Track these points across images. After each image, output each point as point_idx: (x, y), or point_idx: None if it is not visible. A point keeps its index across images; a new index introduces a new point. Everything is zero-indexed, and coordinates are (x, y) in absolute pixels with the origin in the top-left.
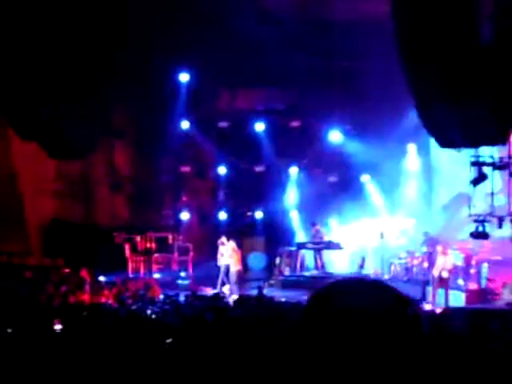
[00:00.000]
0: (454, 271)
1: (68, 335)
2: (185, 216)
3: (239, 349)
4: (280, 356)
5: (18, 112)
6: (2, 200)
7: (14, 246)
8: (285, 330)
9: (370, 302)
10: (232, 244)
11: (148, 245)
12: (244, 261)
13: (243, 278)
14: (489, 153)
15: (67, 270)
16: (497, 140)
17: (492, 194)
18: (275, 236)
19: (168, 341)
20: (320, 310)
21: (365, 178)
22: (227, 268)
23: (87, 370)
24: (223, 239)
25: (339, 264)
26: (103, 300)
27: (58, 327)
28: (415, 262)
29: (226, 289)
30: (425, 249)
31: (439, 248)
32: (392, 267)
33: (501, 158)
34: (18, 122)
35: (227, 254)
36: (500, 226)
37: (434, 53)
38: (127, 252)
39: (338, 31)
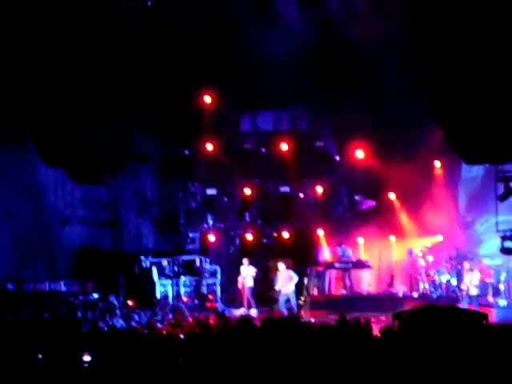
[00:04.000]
0: (483, 287)
1: (97, 365)
2: (211, 238)
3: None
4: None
5: (43, 138)
6: (32, 226)
7: (43, 272)
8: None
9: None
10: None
11: (175, 268)
12: (272, 282)
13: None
14: None
15: (96, 296)
16: None
17: None
18: (303, 256)
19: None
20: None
21: (391, 196)
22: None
23: None
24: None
25: (368, 283)
26: (133, 325)
27: (87, 358)
28: (444, 279)
29: (252, 311)
30: (453, 265)
31: (466, 265)
32: (421, 285)
33: None
34: (44, 148)
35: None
36: None
37: (456, 67)
38: (155, 276)
39: (359, 50)
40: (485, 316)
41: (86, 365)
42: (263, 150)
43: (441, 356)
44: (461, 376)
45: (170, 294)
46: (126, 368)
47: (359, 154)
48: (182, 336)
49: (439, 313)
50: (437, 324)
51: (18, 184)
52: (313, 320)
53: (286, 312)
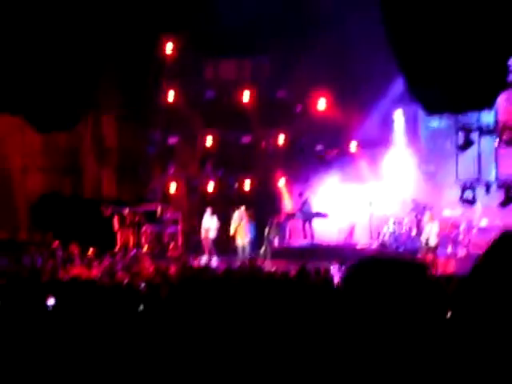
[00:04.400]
0: (443, 238)
1: (61, 311)
2: (173, 187)
3: (232, 319)
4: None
5: (3, 85)
6: None
7: (2, 221)
8: (275, 301)
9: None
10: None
11: (136, 217)
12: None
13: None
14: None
15: (56, 244)
16: (483, 104)
17: (479, 159)
18: (264, 206)
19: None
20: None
21: (352, 146)
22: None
23: (83, 346)
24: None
25: (328, 233)
26: (93, 274)
27: (50, 302)
28: (403, 229)
29: (214, 260)
30: (413, 216)
31: (426, 215)
32: (380, 236)
33: (487, 124)
34: (4, 96)
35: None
36: (487, 192)
37: (418, 14)
38: (116, 225)
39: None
40: (425, 267)
41: (50, 308)
42: (225, 99)
43: (381, 311)
44: (400, 333)
45: (131, 243)
46: (87, 316)
47: (321, 103)
48: (142, 285)
49: (381, 266)
50: (377, 280)
51: None
52: (273, 269)
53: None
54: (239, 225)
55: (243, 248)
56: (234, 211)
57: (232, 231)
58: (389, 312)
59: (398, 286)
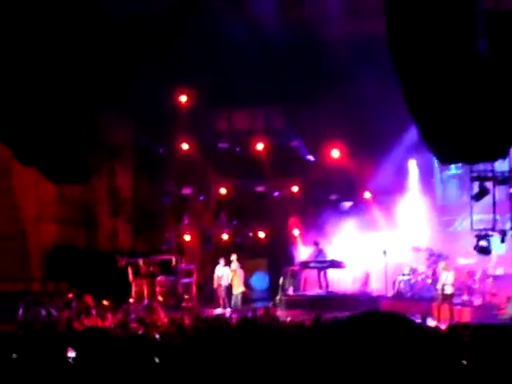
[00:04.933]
0: (458, 287)
1: (78, 362)
2: (187, 238)
3: (246, 368)
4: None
5: (17, 136)
6: (4, 226)
7: (16, 272)
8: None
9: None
10: (235, 265)
11: (151, 268)
12: (247, 281)
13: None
14: (490, 167)
15: (71, 295)
16: (496, 155)
17: (494, 207)
18: (278, 256)
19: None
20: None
21: (367, 195)
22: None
23: None
24: (221, 261)
25: (343, 282)
26: (107, 324)
27: (71, 355)
28: (419, 278)
29: (228, 311)
30: (428, 264)
31: (441, 264)
32: (396, 284)
33: (502, 173)
34: (18, 147)
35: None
36: (503, 241)
37: (431, 68)
38: (130, 276)
39: (333, 50)
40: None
41: (71, 360)
42: (238, 149)
43: (370, 364)
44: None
45: (146, 294)
46: (102, 367)
47: (335, 153)
48: (157, 336)
49: (376, 321)
50: (370, 333)
51: None
52: (288, 319)
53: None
54: (235, 274)
55: (236, 298)
56: (249, 260)
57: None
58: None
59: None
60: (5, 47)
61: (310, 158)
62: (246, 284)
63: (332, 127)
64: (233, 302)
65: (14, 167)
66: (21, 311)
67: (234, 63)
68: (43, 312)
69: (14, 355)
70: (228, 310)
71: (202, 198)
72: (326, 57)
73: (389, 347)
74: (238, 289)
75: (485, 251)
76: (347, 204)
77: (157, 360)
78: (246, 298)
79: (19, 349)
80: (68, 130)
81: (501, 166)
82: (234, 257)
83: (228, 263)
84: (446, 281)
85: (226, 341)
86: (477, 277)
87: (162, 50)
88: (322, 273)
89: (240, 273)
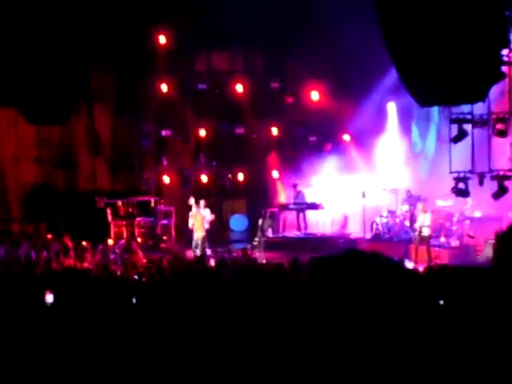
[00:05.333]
0: (436, 229)
1: (57, 304)
2: (166, 180)
3: (229, 309)
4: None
5: None
6: None
7: None
8: (269, 290)
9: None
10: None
11: (130, 209)
12: (226, 223)
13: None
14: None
15: (50, 236)
16: (476, 97)
17: (472, 150)
18: (257, 198)
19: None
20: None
21: (346, 137)
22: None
23: (78, 339)
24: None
25: (321, 225)
26: (86, 265)
27: (49, 299)
28: (397, 220)
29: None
30: (406, 207)
31: (419, 206)
32: (374, 226)
33: (481, 115)
34: None
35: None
36: (481, 183)
37: (410, 8)
38: (109, 217)
39: None
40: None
41: (49, 304)
42: (218, 90)
43: (357, 304)
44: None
45: (125, 235)
46: (81, 309)
47: (314, 95)
48: (135, 277)
49: (360, 260)
50: (355, 272)
51: None
52: (264, 261)
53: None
54: (196, 218)
55: (197, 242)
56: (228, 202)
57: (190, 225)
58: (358, 305)
59: (368, 279)
60: None
61: (290, 99)
62: (224, 225)
63: (312, 69)
64: (193, 246)
65: None
66: (1, 251)
67: (214, 2)
68: (22, 253)
69: None
70: (207, 251)
71: (181, 140)
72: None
73: (369, 287)
74: (198, 233)
75: (463, 193)
76: (325, 144)
77: (134, 301)
78: (225, 239)
79: None
80: (47, 72)
81: (479, 108)
82: (191, 201)
83: (207, 205)
84: (423, 223)
85: (204, 282)
86: (455, 219)
87: None
88: (300, 215)
89: (200, 217)
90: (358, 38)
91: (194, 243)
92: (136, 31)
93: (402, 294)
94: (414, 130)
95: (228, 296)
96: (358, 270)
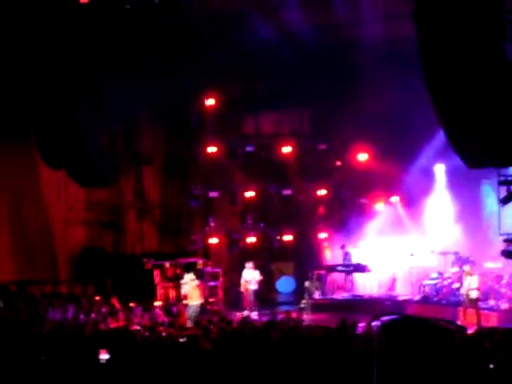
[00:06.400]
0: (485, 291)
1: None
2: (213, 241)
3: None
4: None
5: (46, 140)
6: (33, 229)
7: (44, 274)
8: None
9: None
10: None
11: (177, 271)
12: (273, 284)
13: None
14: None
15: (98, 298)
16: None
17: None
18: (305, 259)
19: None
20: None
21: (394, 198)
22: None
23: None
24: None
25: (369, 286)
26: (134, 327)
27: (104, 357)
28: (445, 282)
29: (254, 314)
30: (455, 269)
31: (466, 268)
32: (422, 288)
33: None
34: (47, 151)
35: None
36: None
37: (459, 73)
38: (156, 278)
39: (361, 53)
40: (460, 330)
41: (104, 361)
42: (265, 152)
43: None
44: None
45: (171, 296)
46: (130, 370)
47: (362, 156)
48: (182, 339)
49: (414, 325)
50: (408, 339)
51: (22, 186)
52: (313, 323)
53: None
54: (193, 286)
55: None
56: (275, 264)
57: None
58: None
59: (425, 347)
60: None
61: (337, 161)
62: (272, 287)
63: (359, 131)
64: (188, 315)
65: (43, 170)
66: (50, 314)
67: (261, 66)
68: (70, 315)
69: (43, 357)
70: (254, 313)
71: (228, 201)
72: (354, 60)
73: (420, 352)
74: (195, 301)
75: None
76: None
77: (181, 363)
78: (272, 301)
79: (48, 351)
80: (98, 134)
81: None
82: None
83: (255, 266)
84: (470, 285)
85: (252, 343)
86: (504, 281)
87: (191, 55)
88: (348, 276)
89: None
90: (404, 100)
91: (190, 311)
92: (185, 94)
93: (455, 358)
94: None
95: (275, 358)
96: (414, 334)
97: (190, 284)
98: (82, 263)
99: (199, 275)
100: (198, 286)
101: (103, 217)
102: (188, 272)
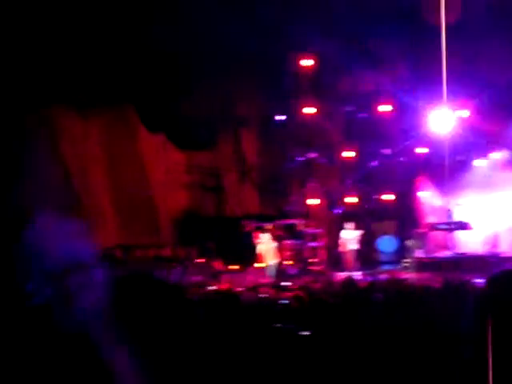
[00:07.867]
0: None
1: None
2: (313, 202)
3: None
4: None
5: (146, 105)
6: (134, 193)
7: (147, 238)
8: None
9: None
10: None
11: (278, 232)
12: (375, 244)
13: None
14: None
15: (202, 261)
16: None
17: None
18: (406, 218)
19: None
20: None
21: (495, 154)
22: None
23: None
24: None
25: (471, 244)
26: (238, 290)
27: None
28: None
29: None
30: None
31: None
32: None
33: None
34: (147, 115)
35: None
36: None
37: None
38: (257, 240)
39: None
40: None
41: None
42: (364, 111)
43: None
44: None
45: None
46: (233, 331)
47: (464, 113)
48: (285, 300)
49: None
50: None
51: (122, 150)
52: (417, 282)
53: None
54: (269, 246)
55: (271, 268)
56: (377, 224)
57: (260, 251)
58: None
59: None
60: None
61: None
62: (374, 247)
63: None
64: (268, 272)
65: (142, 133)
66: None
67: (355, 23)
68: (176, 278)
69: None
70: (358, 273)
71: (327, 162)
72: None
73: None
74: (271, 260)
75: None
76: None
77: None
78: (374, 260)
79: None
80: (196, 98)
81: None
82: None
83: (356, 226)
84: None
85: (355, 302)
86: None
87: (286, 16)
88: (449, 235)
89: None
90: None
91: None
92: (281, 56)
93: None
94: None
95: (379, 318)
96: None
97: (266, 244)
98: (185, 226)
99: (298, 236)
100: (276, 246)
101: (204, 180)
102: (263, 233)
